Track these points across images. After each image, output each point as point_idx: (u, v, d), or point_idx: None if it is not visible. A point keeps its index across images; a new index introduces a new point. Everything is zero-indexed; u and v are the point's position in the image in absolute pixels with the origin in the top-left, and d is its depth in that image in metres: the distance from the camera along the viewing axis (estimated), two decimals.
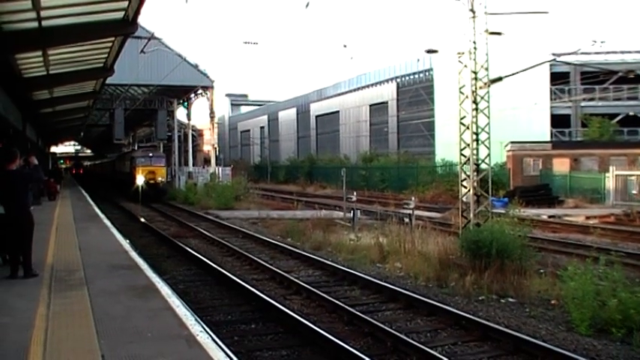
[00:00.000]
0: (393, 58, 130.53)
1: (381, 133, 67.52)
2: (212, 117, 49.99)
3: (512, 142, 45.08)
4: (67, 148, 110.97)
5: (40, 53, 16.79)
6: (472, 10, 18.01)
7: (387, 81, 67.06)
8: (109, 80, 25.65)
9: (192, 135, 58.98)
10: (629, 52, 55.55)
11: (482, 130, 18.24)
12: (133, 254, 13.01)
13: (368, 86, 70.88)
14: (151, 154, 46.63)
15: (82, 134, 70.72)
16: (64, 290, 9.23)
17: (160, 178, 45.12)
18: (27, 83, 20.02)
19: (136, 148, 69.43)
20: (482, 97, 18.18)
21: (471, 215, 17.93)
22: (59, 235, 16.18)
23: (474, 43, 18.09)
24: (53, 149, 69.67)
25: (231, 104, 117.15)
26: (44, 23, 13.90)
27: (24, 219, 10.38)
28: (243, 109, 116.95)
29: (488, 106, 18.25)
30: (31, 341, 6.58)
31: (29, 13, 12.98)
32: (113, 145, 66.60)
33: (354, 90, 73.66)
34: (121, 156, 60.55)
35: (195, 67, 47.95)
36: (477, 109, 18.10)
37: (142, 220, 29.98)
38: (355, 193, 29.20)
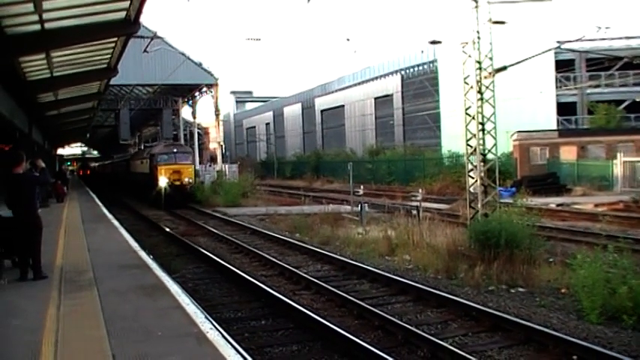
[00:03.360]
0: (396, 51, 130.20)
1: (387, 126, 67.41)
2: (217, 114, 49.92)
3: (518, 132, 44.92)
4: (74, 149, 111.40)
5: (43, 56, 16.85)
6: (475, 0, 17.95)
7: (391, 73, 66.90)
8: (113, 81, 25.72)
9: (198, 133, 59.09)
10: (634, 37, 55.14)
11: (488, 120, 18.20)
12: (142, 254, 13.04)
13: (372, 79, 70.72)
14: (175, 150, 39.19)
15: (88, 136, 70.99)
16: (73, 291, 9.26)
17: (186, 179, 37.80)
18: (31, 86, 20.10)
19: (141, 145, 69.23)
20: (487, 87, 18.13)
21: (479, 206, 17.90)
22: (68, 236, 16.23)
23: (478, 32, 18.04)
24: (60, 151, 69.87)
25: (236, 101, 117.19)
26: (46, 25, 13.93)
27: (32, 222, 10.41)
28: (248, 106, 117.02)
29: (493, 96, 18.21)
30: (42, 342, 6.61)
31: (31, 16, 13.01)
32: (119, 146, 66.53)
33: (359, 83, 73.54)
34: (137, 153, 52.79)
35: (199, 65, 47.95)
36: (482, 99, 18.05)
37: (150, 219, 30.03)
38: (362, 187, 29.16)
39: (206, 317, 7.68)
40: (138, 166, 44.79)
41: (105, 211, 24.78)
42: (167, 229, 25.44)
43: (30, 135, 26.06)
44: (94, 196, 36.24)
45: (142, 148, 61.74)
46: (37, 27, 13.88)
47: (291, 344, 9.88)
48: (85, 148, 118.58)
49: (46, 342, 6.63)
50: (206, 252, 18.75)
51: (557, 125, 53.57)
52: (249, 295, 13.28)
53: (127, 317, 7.60)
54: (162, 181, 36.28)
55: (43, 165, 12.78)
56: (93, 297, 8.80)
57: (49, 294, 9.07)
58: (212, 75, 48.89)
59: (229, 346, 6.47)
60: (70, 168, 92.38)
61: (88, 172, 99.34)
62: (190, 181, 38.20)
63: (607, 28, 27.30)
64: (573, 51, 47.41)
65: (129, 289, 9.23)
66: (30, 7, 12.23)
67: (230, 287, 14.30)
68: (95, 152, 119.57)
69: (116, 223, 20.00)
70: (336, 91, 78.83)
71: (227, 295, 13.62)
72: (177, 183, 37.10)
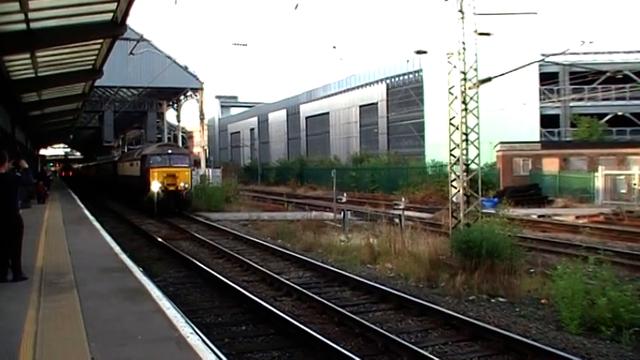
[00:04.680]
0: (382, 59, 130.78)
1: (371, 134, 67.63)
2: (202, 119, 49.84)
3: (501, 143, 45.22)
4: (57, 150, 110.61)
5: (28, 55, 16.75)
6: (461, 11, 18.07)
7: (376, 82, 67.20)
8: (98, 82, 25.61)
9: (182, 137, 58.94)
10: (617, 52, 55.88)
11: (472, 130, 18.30)
12: (124, 257, 12.95)
13: (358, 87, 71.00)
14: (170, 151, 35.04)
15: (71, 137, 70.55)
16: (54, 293, 9.19)
17: (182, 184, 33.72)
18: (15, 85, 19.95)
19: (124, 147, 68.67)
20: (471, 98, 18.23)
21: (461, 215, 17.97)
22: (49, 237, 16.10)
23: (463, 43, 18.15)
24: (42, 152, 69.36)
25: (221, 106, 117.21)
26: (32, 25, 13.87)
27: (13, 222, 10.32)
28: (233, 111, 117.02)
29: (477, 107, 18.31)
30: (21, 344, 6.56)
31: (17, 15, 12.93)
32: (103, 148, 66.04)
33: (344, 91, 73.78)
34: (127, 154, 48.48)
35: (185, 68, 47.88)
36: (466, 109, 18.15)
37: (132, 223, 29.84)
38: (345, 194, 29.29)
39: (187, 321, 7.65)
40: (127, 169, 40.65)
41: (87, 212, 24.60)
42: (149, 233, 25.30)
43: (13, 135, 25.85)
44: (75, 197, 35.95)
45: (133, 149, 58.41)
46: (23, 26, 13.80)
47: (272, 350, 9.86)
48: (68, 150, 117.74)
49: (25, 344, 6.58)
50: (188, 256, 18.68)
51: (541, 137, 54.05)
52: (231, 301, 13.24)
53: (107, 320, 7.55)
54: (155, 186, 32.54)
55: (25, 165, 12.68)
56: (73, 299, 8.73)
57: (29, 295, 8.99)
58: (197, 79, 48.85)
59: (209, 350, 6.45)
60: (53, 169, 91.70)
61: (71, 174, 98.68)
62: (187, 186, 34.10)
63: (591, 42, 27.57)
64: (557, 64, 47.95)
65: (110, 292, 9.17)
66: (16, 5, 12.16)
67: (211, 292, 14.26)
68: (78, 154, 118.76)
69: (98, 225, 19.87)
70: (322, 98, 79.04)
71: (208, 299, 13.58)
72: (172, 188, 33.20)
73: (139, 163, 35.43)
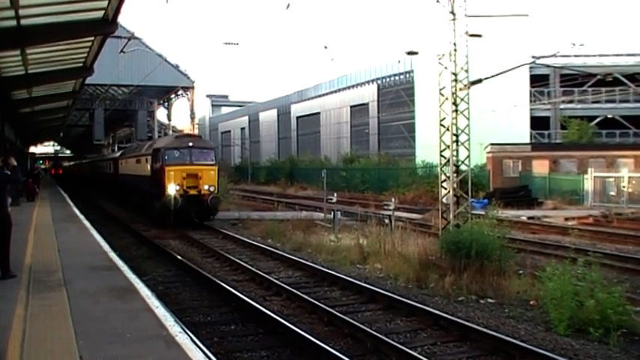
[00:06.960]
0: (373, 60, 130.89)
1: (362, 135, 67.70)
2: (192, 117, 49.94)
3: (492, 144, 45.33)
4: (47, 148, 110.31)
5: (18, 52, 16.70)
6: (452, 13, 18.12)
7: (367, 82, 67.26)
8: (88, 80, 25.56)
9: None
10: (608, 55, 56.17)
11: (462, 131, 18.34)
12: (113, 255, 12.93)
13: (349, 87, 71.04)
14: (190, 144, 27.30)
15: (61, 134, 70.31)
16: (42, 291, 9.16)
17: (206, 186, 26.48)
18: (5, 83, 19.89)
19: (114, 146, 68.21)
20: (462, 99, 18.28)
21: (451, 216, 18.01)
22: (38, 236, 16.03)
23: (454, 45, 18.20)
24: (32, 149, 69.11)
25: (212, 105, 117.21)
26: (23, 22, 13.83)
27: (2, 220, 10.28)
28: (224, 110, 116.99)
29: (468, 108, 18.36)
30: (9, 343, 6.53)
31: (7, 12, 12.90)
32: (93, 146, 65.76)
33: (335, 91, 73.81)
34: (132, 149, 38.63)
35: (176, 67, 47.92)
36: (456, 110, 18.19)
37: (122, 221, 29.69)
38: (336, 195, 29.27)
39: (175, 320, 7.65)
40: (132, 167, 33.47)
41: (76, 211, 24.50)
42: (138, 231, 25.17)
43: (2, 132, 25.75)
44: (65, 196, 35.78)
45: (148, 139, 52.69)
46: (13, 23, 13.76)
47: (261, 350, 9.84)
48: (58, 147, 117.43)
49: (13, 342, 6.55)
50: (177, 255, 18.63)
51: (531, 139, 54.26)
52: (220, 300, 13.21)
53: (96, 319, 7.53)
54: (172, 189, 25.55)
55: (14, 163, 12.62)
56: (62, 298, 8.71)
57: (18, 293, 8.96)
58: (188, 78, 48.90)
59: (198, 349, 6.45)
60: (42, 167, 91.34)
61: (61, 172, 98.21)
62: (212, 189, 26.82)
63: (581, 45, 27.73)
64: (548, 66, 48.10)
65: (98, 291, 9.15)
66: (6, 2, 12.12)
67: (200, 291, 14.22)
68: (68, 152, 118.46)
69: (87, 223, 19.79)
70: (313, 98, 79.07)
71: (197, 299, 13.54)
72: (194, 192, 26.25)
73: (150, 159, 28.61)
